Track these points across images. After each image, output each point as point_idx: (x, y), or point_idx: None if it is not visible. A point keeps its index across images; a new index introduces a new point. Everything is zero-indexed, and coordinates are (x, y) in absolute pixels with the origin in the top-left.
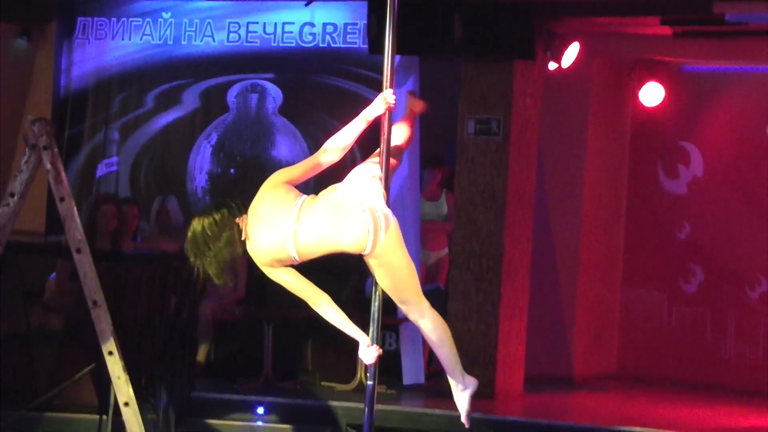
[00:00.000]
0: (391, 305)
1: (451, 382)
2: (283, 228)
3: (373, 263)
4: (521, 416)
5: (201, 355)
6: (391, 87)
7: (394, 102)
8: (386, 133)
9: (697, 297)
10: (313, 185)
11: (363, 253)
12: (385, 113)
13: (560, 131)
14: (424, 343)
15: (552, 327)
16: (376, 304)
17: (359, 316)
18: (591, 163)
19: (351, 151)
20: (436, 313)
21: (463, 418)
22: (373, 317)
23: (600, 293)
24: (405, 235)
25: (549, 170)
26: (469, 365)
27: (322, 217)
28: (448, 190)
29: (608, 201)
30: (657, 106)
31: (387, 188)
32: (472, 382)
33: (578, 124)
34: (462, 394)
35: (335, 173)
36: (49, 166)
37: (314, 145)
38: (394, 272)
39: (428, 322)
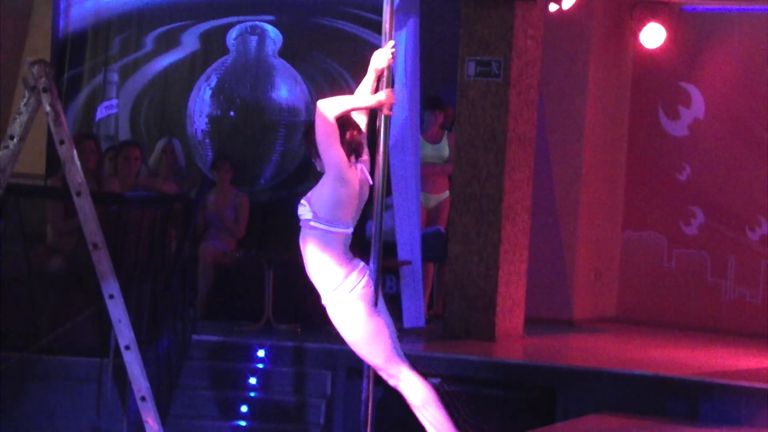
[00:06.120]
0: (392, 248)
1: None
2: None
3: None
4: (521, 358)
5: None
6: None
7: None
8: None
9: (697, 239)
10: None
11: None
12: (387, 65)
13: (561, 73)
14: (425, 286)
15: (552, 269)
16: (377, 245)
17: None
18: (591, 104)
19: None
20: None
21: None
22: (373, 258)
23: (600, 235)
24: (406, 178)
25: (549, 112)
26: (468, 308)
27: None
28: (449, 132)
29: (609, 143)
30: (658, 47)
31: (386, 136)
32: None
33: (579, 65)
34: None
35: None
36: (48, 108)
37: (314, 87)
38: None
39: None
